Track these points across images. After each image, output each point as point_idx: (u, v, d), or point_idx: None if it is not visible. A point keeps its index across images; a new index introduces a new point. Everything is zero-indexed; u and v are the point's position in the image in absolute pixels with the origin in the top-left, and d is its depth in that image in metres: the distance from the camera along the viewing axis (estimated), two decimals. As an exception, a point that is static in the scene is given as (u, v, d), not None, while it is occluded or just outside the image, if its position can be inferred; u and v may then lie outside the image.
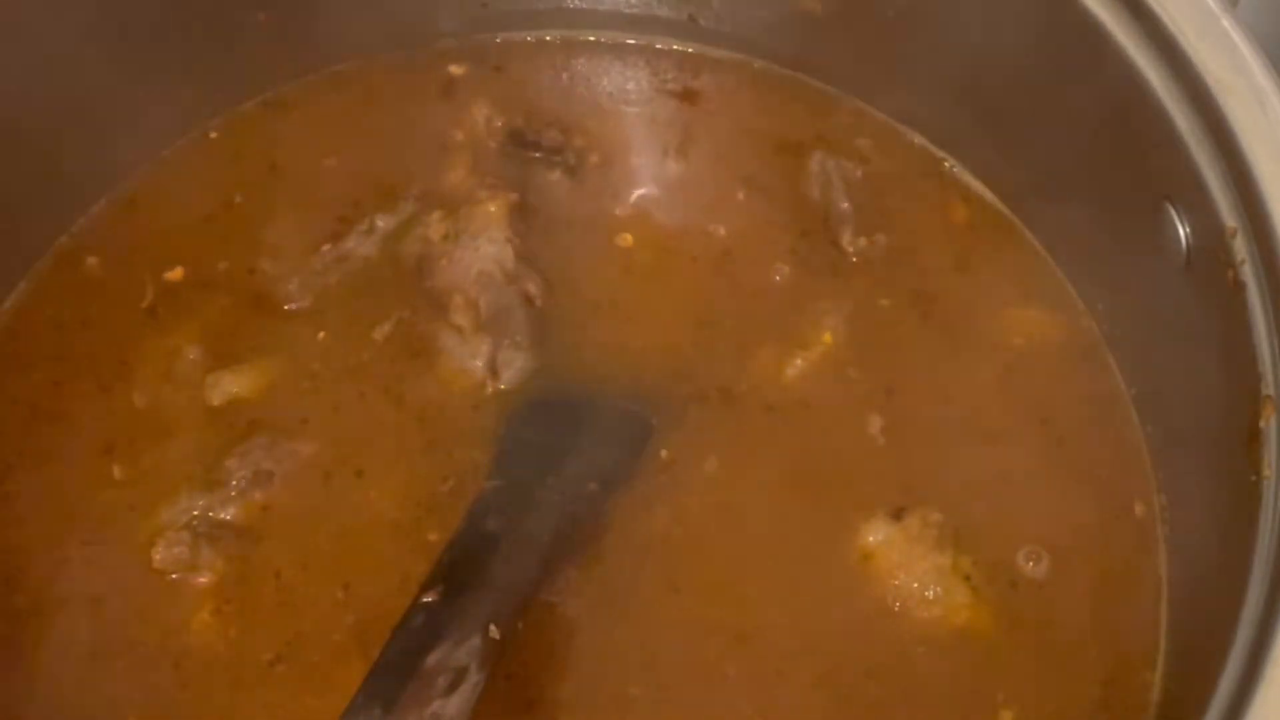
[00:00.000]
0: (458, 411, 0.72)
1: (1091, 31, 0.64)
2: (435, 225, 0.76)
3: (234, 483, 0.70)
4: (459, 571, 0.64)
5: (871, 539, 0.68)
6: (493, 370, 0.73)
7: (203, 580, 0.68)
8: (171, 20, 0.76)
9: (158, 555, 0.68)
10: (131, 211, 0.79)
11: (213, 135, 0.82)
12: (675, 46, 0.83)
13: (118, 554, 0.69)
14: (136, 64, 0.76)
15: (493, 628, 0.61)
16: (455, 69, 0.83)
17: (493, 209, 0.75)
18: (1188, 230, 0.62)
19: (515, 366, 0.73)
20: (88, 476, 0.71)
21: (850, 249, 0.76)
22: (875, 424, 0.72)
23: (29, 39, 0.72)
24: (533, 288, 0.74)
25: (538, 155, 0.80)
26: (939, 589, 0.67)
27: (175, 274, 0.77)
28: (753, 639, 0.66)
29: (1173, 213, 0.63)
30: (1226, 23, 0.60)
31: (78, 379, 0.74)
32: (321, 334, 0.74)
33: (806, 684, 0.65)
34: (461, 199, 0.77)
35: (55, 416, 0.73)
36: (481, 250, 0.74)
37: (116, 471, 0.71)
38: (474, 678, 0.59)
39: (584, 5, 0.83)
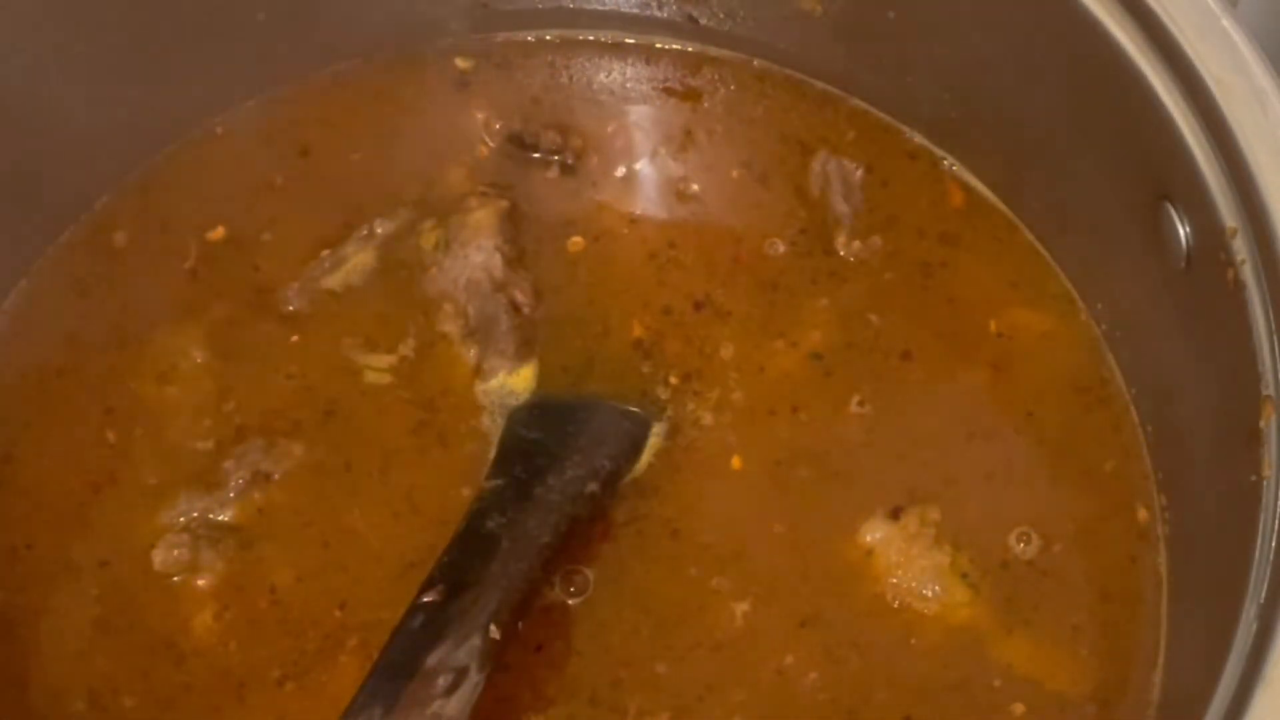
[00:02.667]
0: (447, 419, 0.72)
1: (1091, 31, 0.64)
2: (427, 234, 0.76)
3: (232, 484, 0.70)
4: (459, 571, 0.63)
5: (870, 538, 0.68)
6: (480, 377, 0.73)
7: (203, 583, 0.68)
8: (171, 20, 0.76)
9: (158, 557, 0.68)
10: (139, 201, 0.80)
11: (219, 130, 0.82)
12: (675, 46, 0.83)
13: (118, 542, 0.69)
14: (136, 61, 0.76)
15: (493, 628, 0.61)
16: (455, 69, 0.83)
17: (482, 217, 0.75)
18: (1188, 230, 0.62)
19: (500, 374, 0.73)
20: (87, 438, 0.72)
21: (844, 251, 0.77)
22: (873, 423, 0.72)
23: (33, 37, 0.72)
24: (520, 295, 0.74)
25: (536, 156, 0.80)
26: (937, 587, 0.67)
27: (217, 232, 0.78)
28: (751, 634, 0.67)
29: (1173, 213, 0.62)
30: (1226, 23, 0.60)
31: (94, 342, 0.75)
32: (318, 338, 0.74)
33: (813, 685, 0.66)
34: (456, 204, 0.77)
35: (64, 373, 0.74)
36: (471, 259, 0.75)
37: (110, 436, 0.72)
38: (474, 678, 0.59)
39: (583, 5, 0.83)
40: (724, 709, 0.65)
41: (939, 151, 0.79)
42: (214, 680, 0.66)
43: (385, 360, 0.74)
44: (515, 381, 0.73)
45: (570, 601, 0.67)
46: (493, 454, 0.71)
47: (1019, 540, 0.69)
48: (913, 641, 0.66)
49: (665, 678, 0.66)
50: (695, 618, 0.67)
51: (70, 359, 0.75)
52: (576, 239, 0.78)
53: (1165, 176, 0.62)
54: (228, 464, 0.71)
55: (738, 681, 0.66)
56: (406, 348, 0.74)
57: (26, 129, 0.73)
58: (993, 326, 0.75)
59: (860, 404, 0.72)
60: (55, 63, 0.73)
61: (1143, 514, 0.70)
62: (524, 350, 0.74)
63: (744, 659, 0.66)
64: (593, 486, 0.69)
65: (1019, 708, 0.65)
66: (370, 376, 0.73)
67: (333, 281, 0.76)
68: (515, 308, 0.74)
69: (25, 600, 0.68)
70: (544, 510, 0.67)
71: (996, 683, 0.66)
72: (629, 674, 0.66)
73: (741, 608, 0.67)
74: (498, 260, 0.75)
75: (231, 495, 0.70)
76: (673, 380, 0.73)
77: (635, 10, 0.82)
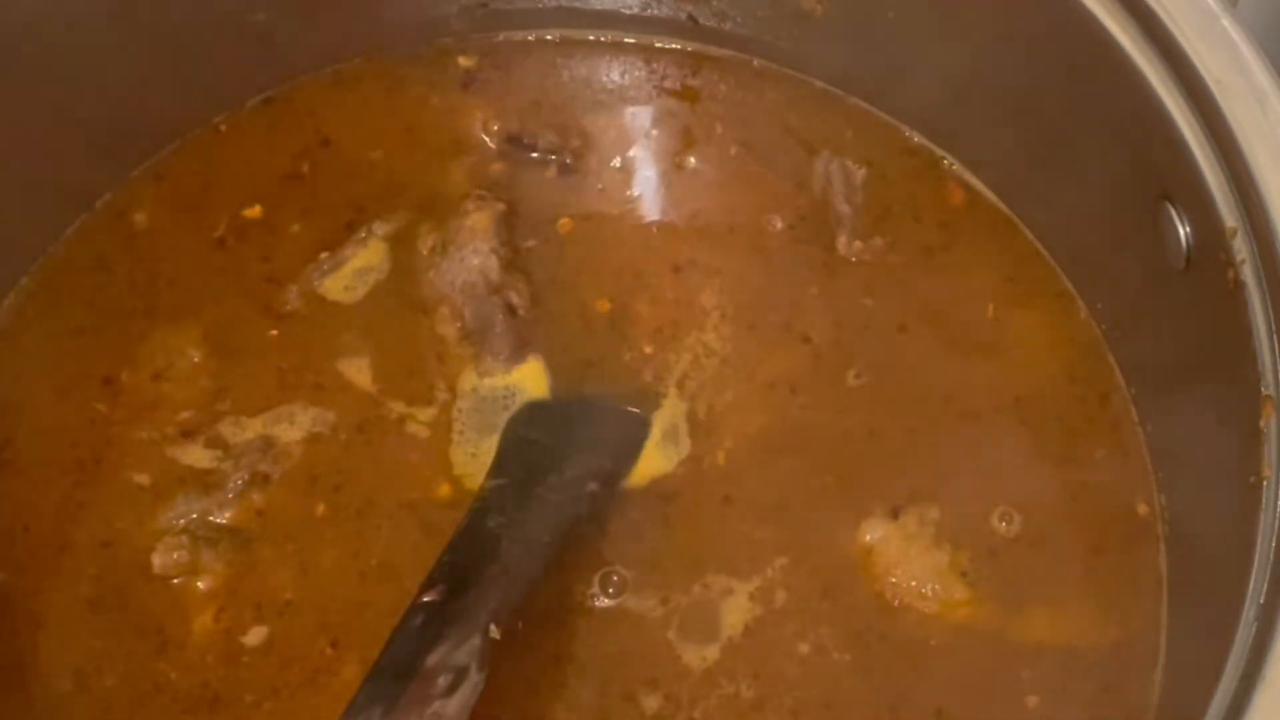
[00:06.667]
0: (445, 422, 0.72)
1: (1091, 31, 0.64)
2: (424, 237, 0.77)
3: (231, 485, 0.70)
4: (459, 571, 0.63)
5: (869, 537, 0.69)
6: (477, 379, 0.73)
7: (203, 585, 0.68)
8: (168, 20, 0.76)
9: (157, 560, 0.68)
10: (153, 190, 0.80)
11: (222, 129, 0.82)
12: (675, 46, 0.83)
13: (116, 533, 0.70)
14: (136, 61, 0.76)
15: (493, 628, 0.61)
16: (455, 69, 0.83)
17: (479, 220, 0.76)
18: (1188, 230, 0.62)
19: (496, 375, 0.73)
20: (86, 424, 0.72)
21: (844, 250, 0.77)
22: (872, 423, 0.72)
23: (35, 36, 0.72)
24: (516, 297, 0.74)
25: (534, 156, 0.80)
26: (937, 586, 0.67)
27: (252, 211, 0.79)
28: (757, 630, 0.67)
29: (1173, 213, 0.62)
30: (1226, 23, 0.60)
31: (102, 323, 0.75)
32: (315, 341, 0.74)
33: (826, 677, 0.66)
34: (453, 207, 0.77)
35: (73, 350, 0.75)
36: (467, 262, 0.75)
37: (102, 407, 0.72)
38: (474, 678, 0.59)
39: (583, 4, 0.83)
40: (783, 684, 0.66)
41: (939, 151, 0.80)
42: (193, 687, 0.66)
43: (380, 363, 0.74)
44: (511, 382, 0.73)
45: (609, 603, 0.68)
46: (491, 457, 0.71)
47: (1001, 520, 0.69)
48: (933, 643, 0.67)
49: (713, 661, 0.66)
50: (734, 590, 0.68)
51: (82, 332, 0.75)
52: (574, 235, 0.78)
53: (1165, 176, 0.63)
54: (226, 464, 0.71)
55: (786, 656, 0.67)
56: (401, 352, 0.74)
57: (30, 122, 0.74)
58: (990, 311, 0.75)
59: (871, 415, 0.72)
60: (55, 61, 0.73)
61: (1143, 510, 0.70)
62: (519, 352, 0.74)
63: (776, 638, 0.67)
64: (593, 486, 0.69)
65: (1032, 700, 0.65)
66: (365, 381, 0.73)
67: (331, 284, 0.76)
68: (511, 309, 0.74)
69: (23, 582, 0.69)
70: (544, 510, 0.67)
71: (1025, 674, 0.66)
72: (676, 661, 0.66)
73: (780, 561, 0.68)
74: (494, 263, 0.75)
75: (230, 496, 0.70)
76: (676, 388, 0.73)
77: (635, 10, 0.82)
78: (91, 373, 0.74)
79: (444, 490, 0.70)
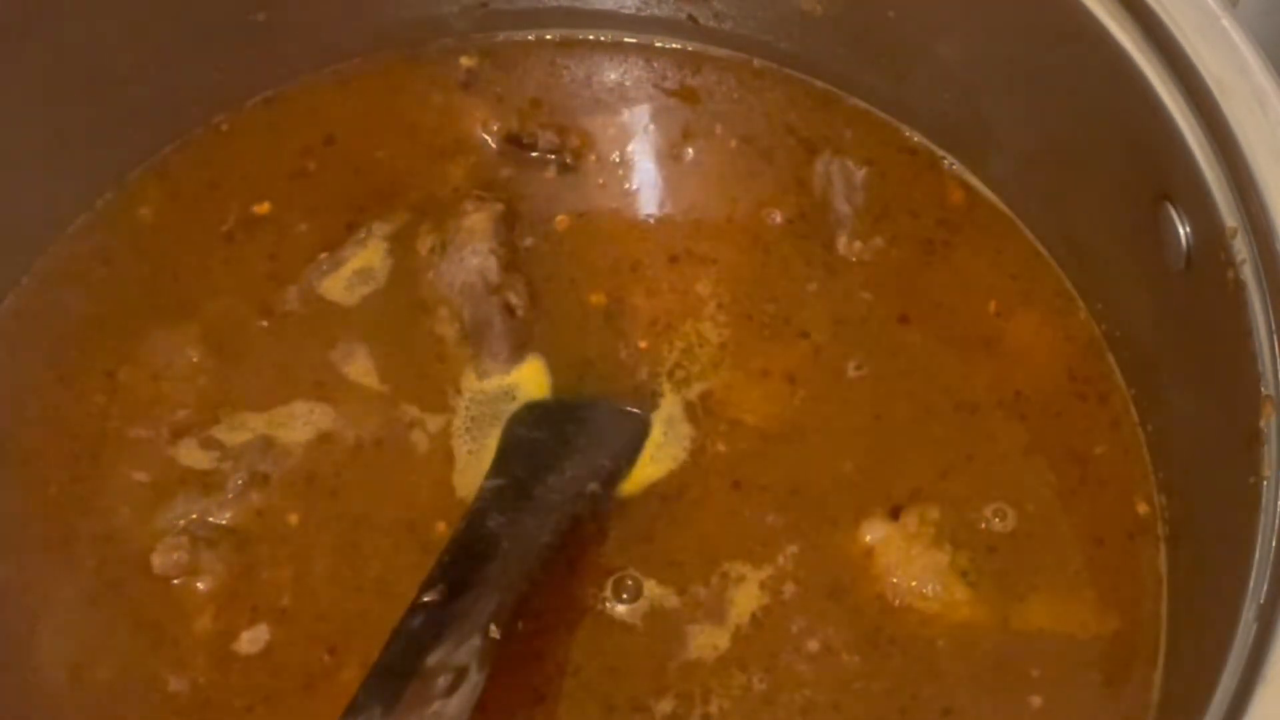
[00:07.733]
0: (444, 423, 0.72)
1: (1091, 31, 0.64)
2: (423, 238, 0.77)
3: (230, 485, 0.70)
4: (459, 571, 0.63)
5: (869, 538, 0.69)
6: (477, 379, 0.73)
7: (203, 586, 0.68)
8: (167, 20, 0.76)
9: (157, 560, 0.68)
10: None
11: (224, 128, 0.82)
12: (674, 45, 0.83)
13: (115, 530, 0.70)
14: (135, 61, 0.76)
15: (493, 628, 0.61)
16: (454, 69, 0.83)
17: (478, 220, 0.75)
18: (1188, 230, 0.62)
19: (494, 376, 0.73)
20: (87, 419, 0.72)
21: (844, 250, 0.77)
22: (872, 415, 0.72)
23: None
24: (514, 297, 0.74)
25: (534, 156, 0.80)
26: (938, 586, 0.67)
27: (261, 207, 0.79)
28: (765, 620, 0.67)
29: (1173, 213, 0.62)
30: (1226, 23, 0.60)
31: (106, 316, 0.76)
32: (314, 342, 0.74)
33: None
34: (452, 207, 0.77)
35: (78, 341, 0.75)
36: (466, 262, 0.75)
37: (101, 400, 0.73)
38: (474, 678, 0.59)
39: (583, 4, 0.83)
40: (793, 681, 0.66)
41: (939, 151, 0.80)
42: (187, 688, 0.66)
43: (379, 364, 0.74)
44: (511, 382, 0.73)
45: (624, 609, 0.67)
46: (490, 458, 0.71)
47: (999, 517, 0.69)
48: (939, 643, 0.67)
49: (727, 653, 0.66)
50: (747, 576, 0.68)
51: (85, 326, 0.75)
52: (572, 232, 0.78)
53: (1165, 176, 0.62)
54: (225, 465, 0.71)
55: (794, 651, 0.67)
56: (401, 353, 0.74)
57: (29, 119, 0.74)
58: (992, 307, 0.75)
59: (869, 416, 0.72)
60: (55, 59, 0.73)
61: (1143, 509, 0.70)
62: (518, 352, 0.74)
63: (785, 631, 0.67)
64: (593, 486, 0.69)
65: (1036, 700, 0.65)
66: (365, 381, 0.73)
67: (330, 284, 0.76)
68: (509, 310, 0.74)
69: (21, 575, 0.69)
70: (544, 510, 0.67)
71: (1033, 672, 0.66)
72: (689, 658, 0.66)
73: (792, 549, 0.68)
74: (493, 264, 0.75)
75: (230, 497, 0.70)
76: (671, 387, 0.73)
77: (635, 10, 0.82)
78: (93, 367, 0.74)
79: (444, 497, 0.70)
